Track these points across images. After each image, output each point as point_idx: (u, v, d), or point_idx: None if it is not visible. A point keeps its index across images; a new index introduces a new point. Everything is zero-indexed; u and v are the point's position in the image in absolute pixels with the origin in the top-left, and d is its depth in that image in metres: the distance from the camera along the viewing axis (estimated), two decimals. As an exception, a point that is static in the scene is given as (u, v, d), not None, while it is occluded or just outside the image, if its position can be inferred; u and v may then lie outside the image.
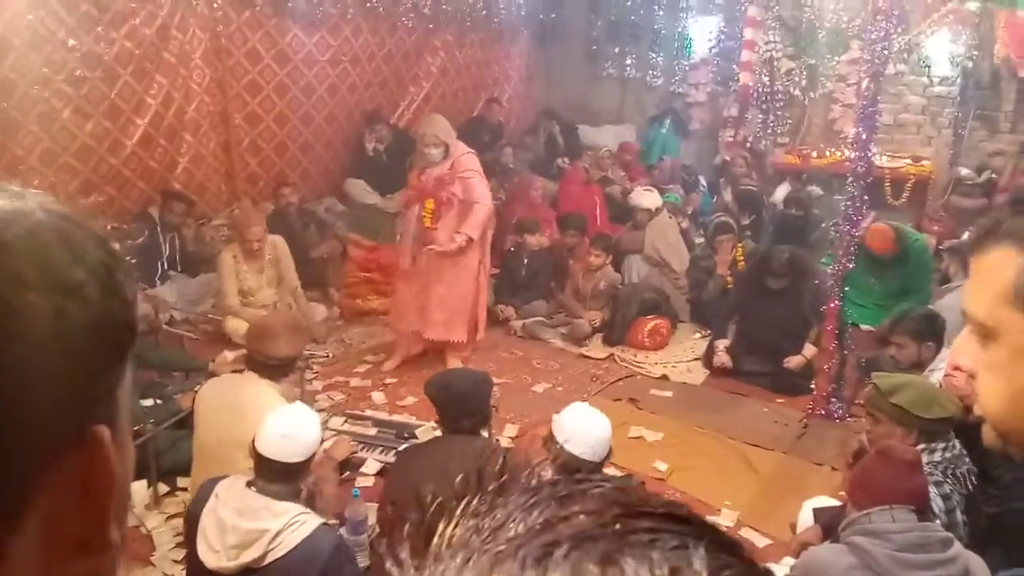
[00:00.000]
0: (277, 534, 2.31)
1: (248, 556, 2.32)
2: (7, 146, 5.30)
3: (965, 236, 6.69)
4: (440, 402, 2.99)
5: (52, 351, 0.45)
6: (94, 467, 0.48)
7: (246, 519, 2.35)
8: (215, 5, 6.47)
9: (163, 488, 3.72)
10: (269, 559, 2.31)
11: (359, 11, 7.42)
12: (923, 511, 2.40)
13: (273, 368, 3.12)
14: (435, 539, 0.43)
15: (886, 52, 4.27)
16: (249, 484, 2.44)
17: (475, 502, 0.44)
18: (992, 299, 0.83)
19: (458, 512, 0.44)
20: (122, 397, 0.52)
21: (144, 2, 5.98)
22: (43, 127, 5.50)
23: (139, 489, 3.66)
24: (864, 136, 4.30)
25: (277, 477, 2.42)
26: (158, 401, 4.10)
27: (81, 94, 5.68)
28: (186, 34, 6.38)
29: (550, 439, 2.71)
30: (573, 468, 2.60)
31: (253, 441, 2.46)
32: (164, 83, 6.29)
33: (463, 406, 2.94)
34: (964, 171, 7.60)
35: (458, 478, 0.47)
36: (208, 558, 2.37)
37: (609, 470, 4.13)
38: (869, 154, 4.33)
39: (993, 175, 7.43)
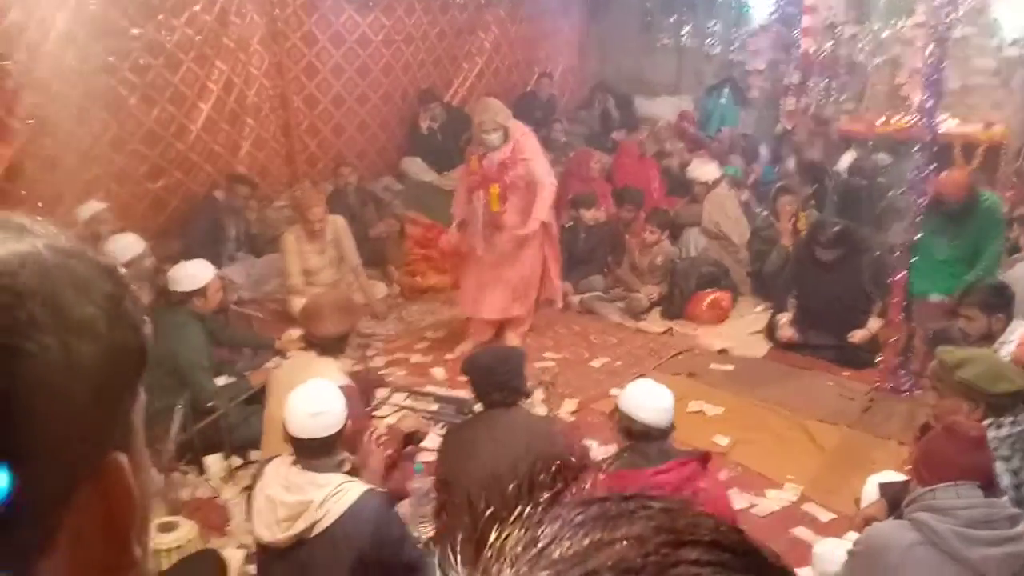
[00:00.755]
0: (322, 503, 2.40)
1: (298, 527, 2.42)
2: (77, 133, 5.49)
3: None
4: (471, 378, 3.10)
5: (66, 388, 0.47)
6: (114, 493, 0.50)
7: (292, 493, 2.46)
8: (272, -11, 6.58)
9: (236, 461, 3.86)
10: (318, 529, 2.41)
11: (412, -11, 7.47)
12: (989, 487, 2.36)
13: (324, 347, 3.22)
14: (487, 548, 0.44)
15: (950, 17, 4.12)
16: (295, 462, 2.53)
17: (527, 510, 0.45)
18: None
19: (510, 521, 0.44)
20: (136, 418, 0.54)
21: (203, -12, 6.12)
22: (111, 114, 5.69)
23: (215, 462, 3.83)
24: (930, 103, 4.18)
25: (316, 453, 2.51)
26: (231, 379, 4.27)
27: (146, 81, 5.85)
28: (244, 19, 6.51)
29: (615, 412, 2.75)
30: (642, 434, 2.65)
31: (284, 425, 2.54)
32: (225, 68, 6.44)
33: (490, 379, 3.01)
34: (1039, 135, 7.31)
35: (510, 486, 0.47)
36: (263, 534, 2.48)
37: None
38: (935, 122, 4.21)
39: (1069, 138, 7.13)
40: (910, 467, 2.75)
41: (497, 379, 3.05)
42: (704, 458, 2.66)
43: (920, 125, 4.22)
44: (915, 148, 4.28)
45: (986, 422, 2.84)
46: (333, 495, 2.45)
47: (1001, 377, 2.84)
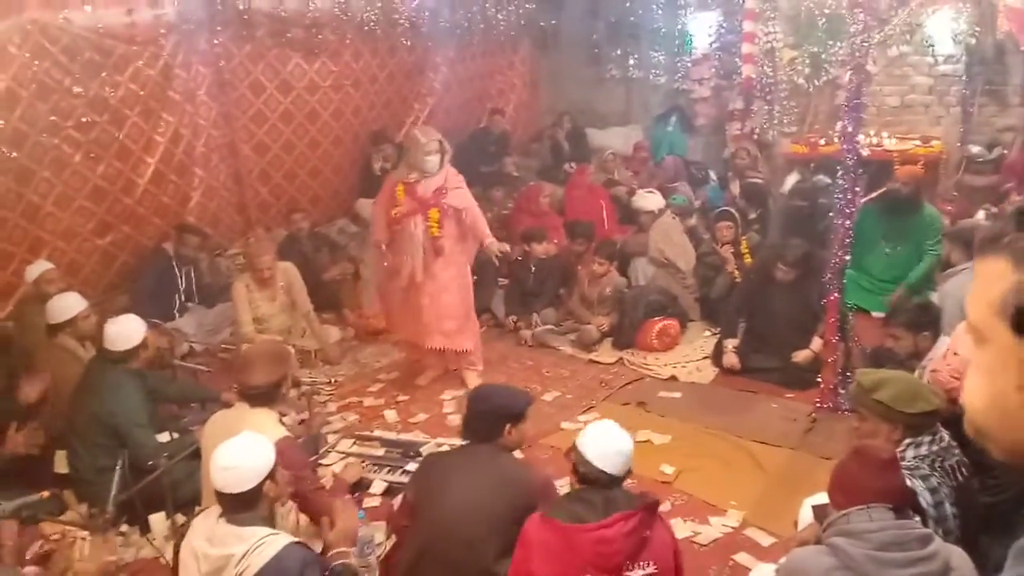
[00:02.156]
0: (243, 557, 2.40)
1: None
2: (23, 194, 5.49)
3: (980, 215, 6.63)
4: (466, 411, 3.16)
5: None
6: None
7: (215, 547, 2.46)
8: (216, 42, 6.63)
9: (181, 519, 3.83)
10: None
11: (357, 35, 7.56)
12: (901, 509, 2.42)
13: (255, 397, 3.23)
14: None
15: (866, 44, 4.26)
16: (221, 515, 2.54)
17: None
18: (985, 305, 0.89)
19: None
20: None
21: (146, 44, 6.15)
22: (56, 173, 5.68)
23: (158, 521, 3.81)
24: (851, 129, 4.31)
25: (235, 507, 2.51)
26: (174, 435, 4.26)
27: (91, 138, 5.86)
28: (189, 71, 6.55)
29: (572, 450, 2.75)
30: (595, 480, 2.65)
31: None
32: (171, 120, 6.46)
33: (470, 414, 3.09)
34: (975, 149, 7.53)
35: None
36: None
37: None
38: (858, 146, 4.33)
39: (1004, 151, 7.35)
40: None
41: (473, 414, 3.10)
42: (651, 506, 2.66)
43: (842, 151, 4.33)
44: (838, 174, 4.39)
45: (905, 442, 2.91)
46: (255, 548, 2.46)
47: (917, 397, 2.90)
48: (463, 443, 3.21)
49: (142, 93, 6.18)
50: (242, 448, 2.56)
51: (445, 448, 4.16)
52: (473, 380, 5.32)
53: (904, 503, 2.46)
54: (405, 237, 5.03)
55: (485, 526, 2.81)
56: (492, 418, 3.06)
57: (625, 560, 2.55)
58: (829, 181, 7.23)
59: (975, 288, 0.92)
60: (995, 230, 0.91)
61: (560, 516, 2.61)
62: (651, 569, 2.58)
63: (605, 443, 2.68)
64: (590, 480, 2.66)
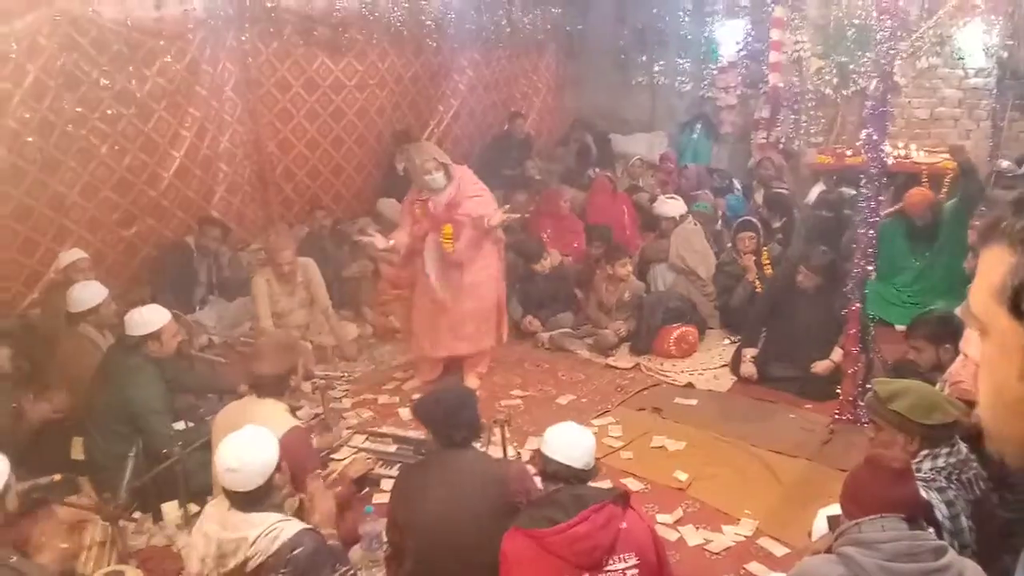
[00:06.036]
0: (255, 541, 2.42)
1: (231, 563, 2.43)
2: (48, 183, 5.56)
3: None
4: (432, 419, 3.06)
5: None
6: None
7: (227, 530, 2.49)
8: (243, 38, 6.69)
9: (194, 508, 3.85)
10: (251, 566, 2.42)
11: (384, 35, 7.59)
12: (914, 519, 2.38)
13: (265, 387, 3.25)
14: None
15: (892, 52, 4.21)
16: (231, 506, 2.55)
17: None
18: (986, 295, 0.86)
19: None
20: None
21: (174, 39, 6.21)
22: (82, 163, 5.75)
23: (170, 509, 3.83)
24: (875, 137, 4.25)
25: (244, 504, 2.53)
26: (190, 424, 4.28)
27: (117, 130, 5.93)
28: (216, 67, 6.61)
29: (538, 454, 2.75)
30: (561, 477, 2.64)
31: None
32: (197, 115, 6.52)
33: (452, 420, 3.01)
34: (1004, 163, 7.43)
35: None
36: (194, 568, 2.50)
37: (628, 480, 4.17)
38: (882, 155, 4.28)
39: (1034, 166, 7.24)
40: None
41: (459, 420, 3.05)
42: (621, 498, 2.64)
43: (866, 160, 4.28)
44: (862, 183, 4.34)
45: (922, 453, 2.86)
46: (267, 533, 2.48)
47: (935, 408, 2.85)
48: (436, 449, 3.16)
49: (169, 87, 6.25)
50: (245, 447, 2.56)
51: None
52: (474, 382, 5.28)
53: (917, 514, 2.42)
54: (425, 257, 5.01)
55: (473, 530, 2.78)
56: (476, 422, 3.06)
57: (603, 555, 2.52)
58: (853, 192, 7.15)
59: (977, 279, 0.90)
60: (993, 219, 0.89)
61: (531, 524, 2.59)
62: (632, 561, 2.55)
63: (566, 440, 2.73)
64: (557, 477, 2.68)
